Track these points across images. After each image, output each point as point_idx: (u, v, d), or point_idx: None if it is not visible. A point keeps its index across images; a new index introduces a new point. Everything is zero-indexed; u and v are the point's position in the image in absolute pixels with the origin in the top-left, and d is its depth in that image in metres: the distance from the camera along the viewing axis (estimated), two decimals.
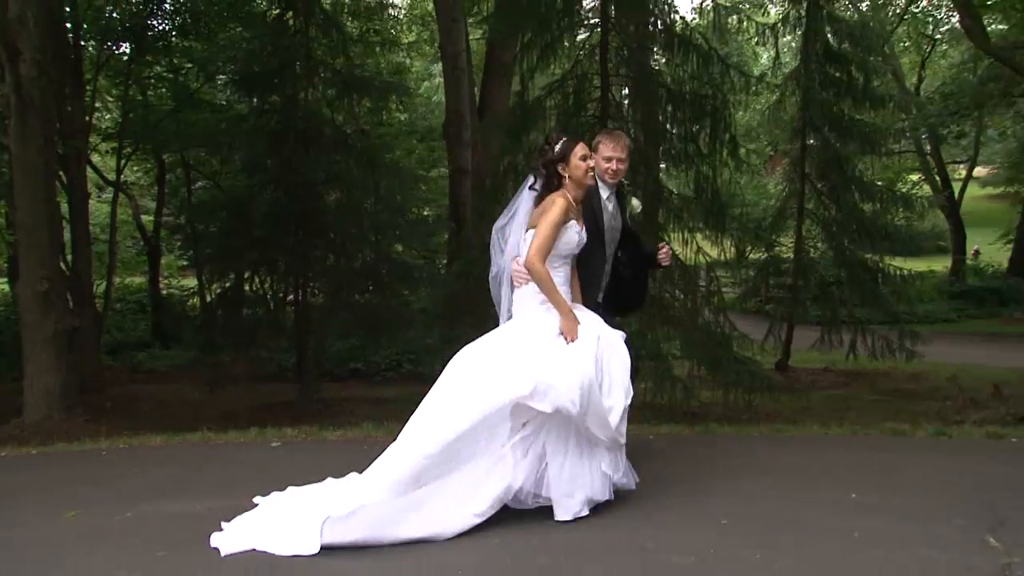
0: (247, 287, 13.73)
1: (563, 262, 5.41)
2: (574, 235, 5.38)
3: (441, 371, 5.17)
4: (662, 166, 11.67)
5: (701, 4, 14.48)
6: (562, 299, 5.28)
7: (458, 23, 17.62)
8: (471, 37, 20.85)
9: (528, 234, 5.35)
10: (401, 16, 27.92)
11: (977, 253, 36.87)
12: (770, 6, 28.97)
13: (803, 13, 15.24)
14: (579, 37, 11.36)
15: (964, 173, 37.66)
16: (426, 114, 31.17)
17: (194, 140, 18.30)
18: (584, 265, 5.63)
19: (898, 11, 29.80)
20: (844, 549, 4.44)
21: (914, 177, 35.57)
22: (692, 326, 10.90)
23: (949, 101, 26.60)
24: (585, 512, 5.00)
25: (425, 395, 5.16)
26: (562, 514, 4.97)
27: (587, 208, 5.64)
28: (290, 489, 5.51)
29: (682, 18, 12.54)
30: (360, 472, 5.31)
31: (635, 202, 6.50)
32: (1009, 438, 7.25)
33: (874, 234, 15.11)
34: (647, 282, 6.44)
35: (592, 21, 11.19)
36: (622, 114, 11.08)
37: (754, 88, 13.03)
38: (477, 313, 14.22)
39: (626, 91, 11.35)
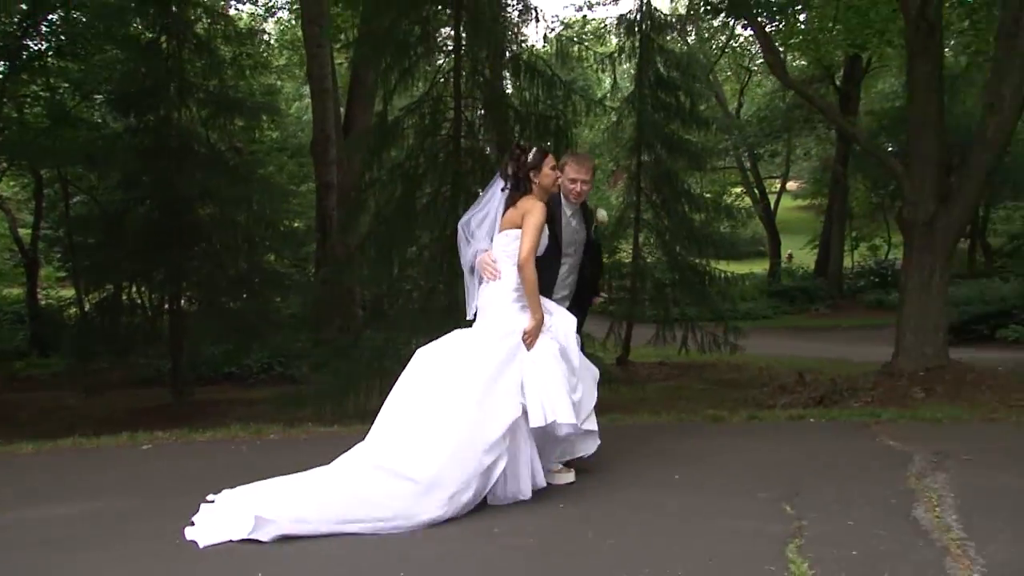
0: (124, 296, 13.34)
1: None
2: (545, 239, 5.34)
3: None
4: None
5: (545, 34, 14.67)
6: (539, 304, 5.15)
7: (323, 48, 17.44)
8: (337, 62, 20.66)
9: (504, 233, 5.25)
10: (272, 41, 27.60)
11: (790, 257, 38.27)
12: (610, 37, 29.63)
13: (637, 45, 15.54)
14: (439, 62, 11.37)
15: (778, 187, 39.22)
16: (296, 132, 30.87)
17: (71, 157, 17.61)
18: (544, 270, 5.47)
19: (720, 45, 30.77)
20: (665, 524, 4.51)
21: (737, 190, 36.79)
22: None
23: (764, 124, 27.74)
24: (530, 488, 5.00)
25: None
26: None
27: (549, 219, 5.52)
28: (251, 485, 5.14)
29: (530, 47, 12.74)
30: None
31: (601, 214, 6.45)
32: (808, 419, 7.54)
33: (702, 241, 15.50)
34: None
35: (447, 48, 11.20)
36: (474, 133, 11.14)
37: (595, 110, 13.24)
38: (343, 317, 14.25)
39: (481, 111, 11.41)
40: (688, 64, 16.40)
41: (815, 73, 28.39)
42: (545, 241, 5.31)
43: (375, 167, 11.18)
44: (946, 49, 25.87)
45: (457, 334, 5.25)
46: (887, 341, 10.86)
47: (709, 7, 13.95)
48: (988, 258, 29.34)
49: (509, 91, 11.72)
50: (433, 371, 5.04)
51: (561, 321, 5.30)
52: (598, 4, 27.48)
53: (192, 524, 4.60)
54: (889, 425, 7.11)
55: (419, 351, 5.21)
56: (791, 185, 44.46)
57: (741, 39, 30.77)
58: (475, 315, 5.41)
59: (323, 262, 16.21)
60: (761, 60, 31.03)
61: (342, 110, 19.16)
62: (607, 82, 37.93)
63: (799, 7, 14.46)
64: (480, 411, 4.78)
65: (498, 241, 5.29)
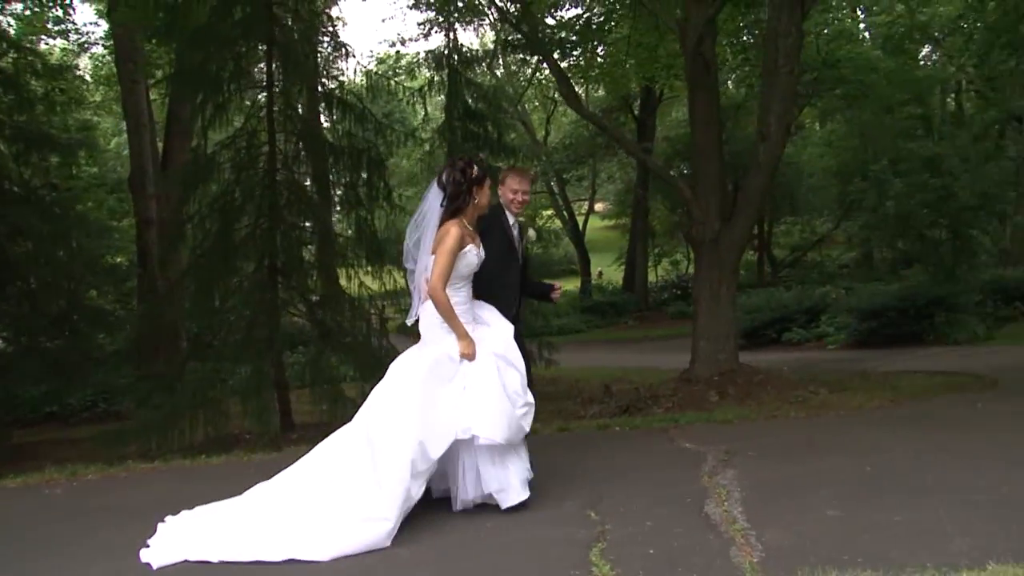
0: None
1: (465, 282, 5.19)
2: (473, 257, 5.17)
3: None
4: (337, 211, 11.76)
5: (355, 70, 14.59)
6: (459, 323, 5.04)
7: (139, 84, 16.84)
8: (152, 97, 19.92)
9: (432, 256, 5.10)
10: (87, 77, 26.37)
11: (600, 274, 39.38)
12: (422, 71, 29.76)
13: (446, 79, 15.66)
14: (259, 97, 11.13)
15: (586, 209, 40.39)
16: (116, 167, 29.55)
17: None
18: (501, 281, 5.48)
19: (527, 77, 31.40)
20: (476, 537, 4.55)
21: (548, 213, 37.60)
22: (363, 351, 10.89)
23: (569, 151, 28.49)
24: (527, 493, 4.98)
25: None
26: (508, 503, 4.93)
27: (499, 231, 5.53)
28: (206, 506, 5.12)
29: (344, 82, 12.67)
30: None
31: (532, 233, 6.34)
32: (614, 427, 7.77)
33: None
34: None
35: (262, 83, 10.99)
36: (289, 166, 10.96)
37: (406, 142, 13.26)
38: (167, 350, 13.70)
39: (296, 145, 11.24)
40: (495, 96, 16.64)
41: (614, 103, 29.42)
42: (472, 260, 5.18)
43: (192, 201, 10.82)
44: (729, 83, 27.58)
45: (401, 358, 5.18)
46: (689, 349, 11.29)
47: (510, 44, 14.18)
48: (774, 269, 31.03)
49: (327, 124, 11.64)
50: (378, 398, 4.98)
51: (497, 331, 5.21)
52: (410, 40, 27.62)
53: (147, 546, 4.56)
54: (686, 428, 7.41)
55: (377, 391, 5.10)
56: (598, 207, 45.85)
57: (547, 72, 31.60)
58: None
59: (144, 297, 15.58)
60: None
61: (160, 145, 18.48)
62: (423, 113, 38.38)
63: (595, 43, 14.94)
64: (415, 438, 4.71)
65: (428, 263, 5.16)
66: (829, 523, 4.36)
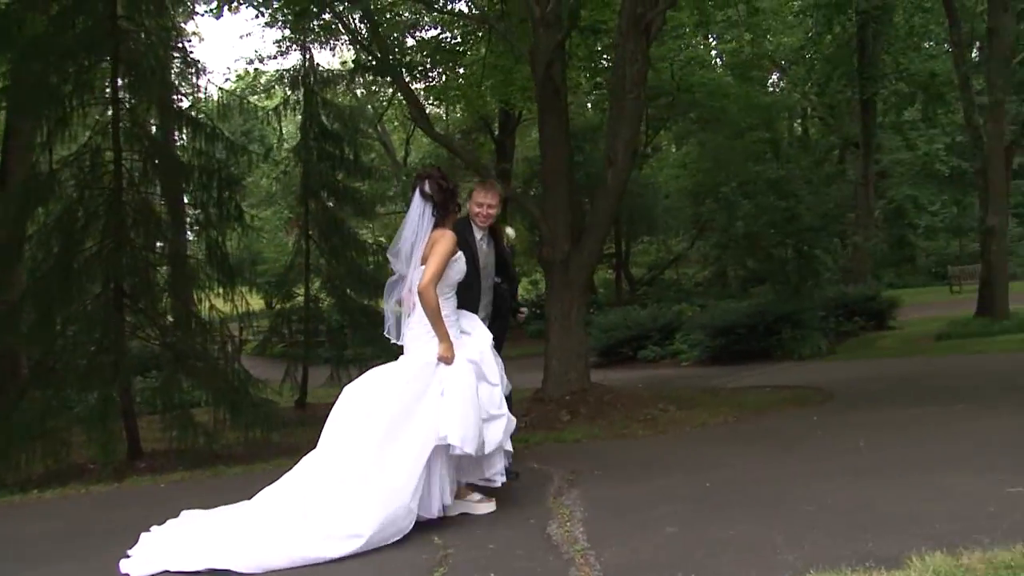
0: None
1: (452, 291, 5.27)
2: (463, 265, 5.28)
3: None
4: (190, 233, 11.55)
5: (205, 87, 14.37)
6: (444, 327, 5.08)
7: None
8: None
9: (421, 268, 5.12)
10: None
11: None
12: (279, 89, 29.37)
13: (301, 98, 15.59)
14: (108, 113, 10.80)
15: None
16: None
17: None
18: (467, 294, 5.53)
19: (388, 97, 31.39)
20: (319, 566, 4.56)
21: None
22: (214, 376, 10.70)
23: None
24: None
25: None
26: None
27: (465, 244, 5.51)
28: (190, 512, 5.24)
29: (198, 99, 12.48)
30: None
31: (509, 231, 6.35)
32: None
33: (369, 284, 15.71)
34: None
35: (108, 97, 10.69)
36: (136, 185, 10.68)
37: (260, 162, 13.14)
38: (3, 377, 13.03)
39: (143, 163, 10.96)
40: (352, 116, 16.64)
41: (474, 124, 29.75)
42: (463, 267, 5.29)
43: (31, 221, 10.41)
44: (588, 106, 28.30)
45: (379, 370, 5.22)
46: None
47: (360, 66, 14.21)
48: (632, 287, 31.91)
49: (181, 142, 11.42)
50: (351, 412, 5.02)
51: (477, 339, 5.30)
52: (269, 58, 27.26)
53: (127, 556, 4.60)
54: (535, 449, 7.59)
55: (345, 388, 5.18)
56: None
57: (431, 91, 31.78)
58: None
59: None
60: (429, 111, 32.16)
61: None
62: (285, 131, 37.88)
63: (451, 65, 15.15)
64: (394, 451, 4.82)
65: (419, 272, 5.17)
66: (666, 540, 4.51)
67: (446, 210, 5.24)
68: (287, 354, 16.24)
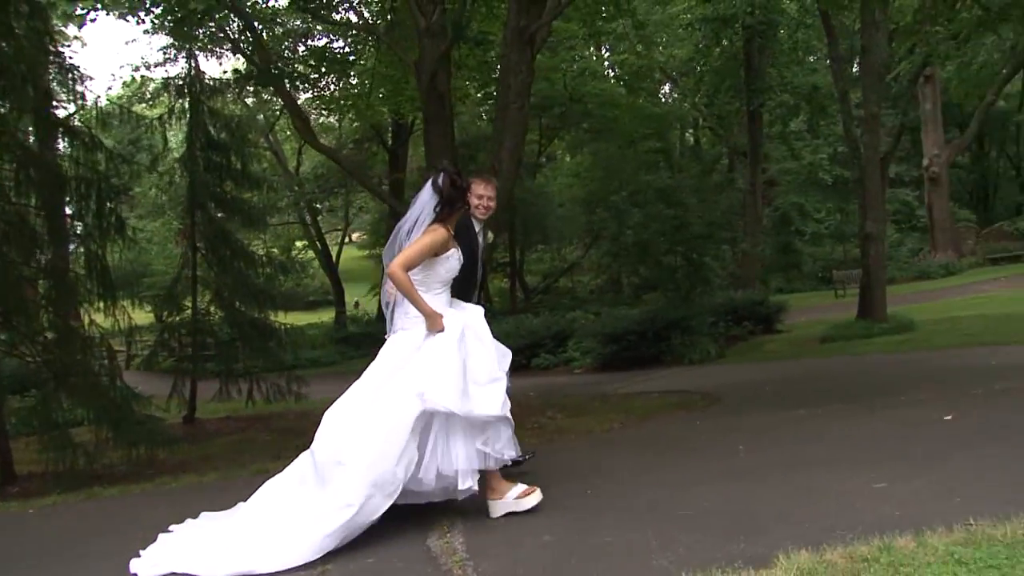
0: None
1: (444, 287, 5.32)
2: (455, 262, 5.29)
3: None
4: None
5: (84, 95, 13.97)
6: (421, 299, 5.10)
7: None
8: None
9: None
10: None
11: (357, 304, 39.26)
12: (165, 97, 28.75)
13: (187, 107, 15.32)
14: None
15: (343, 239, 40.24)
16: None
17: None
18: (467, 284, 5.64)
19: (280, 106, 31.05)
20: None
21: (302, 244, 37.16)
22: (96, 393, 10.43)
23: (320, 181, 28.40)
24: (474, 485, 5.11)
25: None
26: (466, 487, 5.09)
27: (468, 236, 5.66)
28: (203, 515, 5.46)
29: (80, 105, 12.14)
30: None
31: (490, 235, 6.34)
32: None
33: (260, 296, 15.52)
34: None
35: None
36: (7, 196, 10.35)
37: (146, 172, 12.86)
38: None
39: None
40: (239, 126, 16.38)
41: (366, 134, 29.64)
42: (455, 266, 5.31)
43: None
44: (483, 115, 28.50)
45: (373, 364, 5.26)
46: None
47: (242, 76, 13.99)
48: (527, 295, 32.17)
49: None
50: (348, 397, 5.15)
51: (467, 308, 5.40)
52: (156, 66, 26.67)
53: (138, 555, 4.74)
54: None
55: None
56: (355, 236, 45.74)
57: (300, 101, 31.48)
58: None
59: None
60: (322, 121, 31.88)
61: None
62: (173, 141, 37.03)
63: (341, 74, 15.08)
64: (378, 419, 4.90)
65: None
66: (544, 548, 4.58)
67: (452, 207, 5.32)
68: (175, 368, 15.93)
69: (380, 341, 5.19)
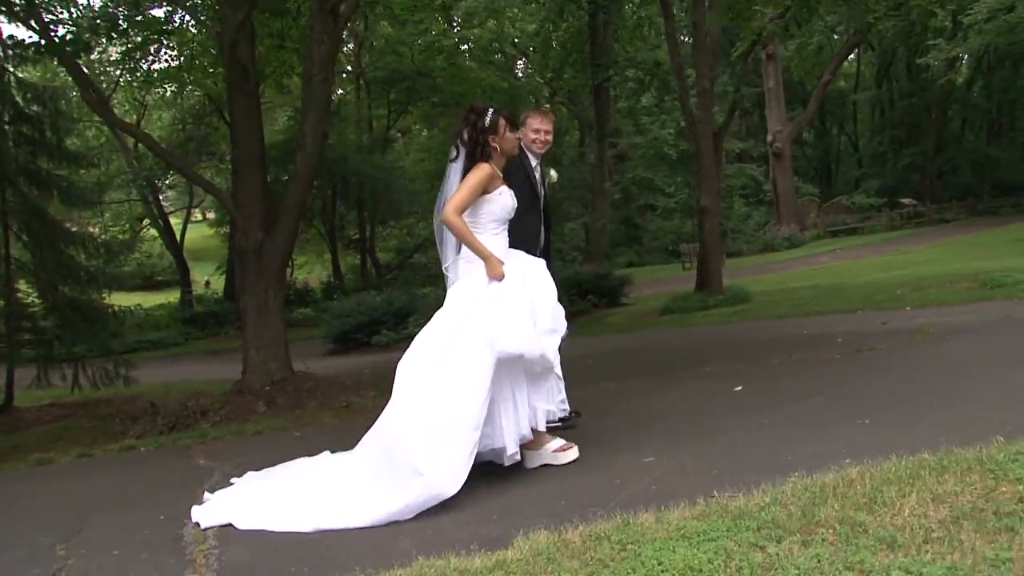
0: None
1: (502, 227, 5.10)
2: (508, 199, 5.08)
3: None
4: None
5: None
6: (480, 244, 4.92)
7: None
8: None
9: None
10: None
11: (208, 283, 38.21)
12: None
13: None
14: None
15: (196, 217, 38.96)
16: None
17: None
18: (523, 224, 5.37)
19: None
20: None
21: (145, 221, 35.79)
22: None
23: (159, 159, 27.25)
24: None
25: None
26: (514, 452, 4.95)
27: (521, 173, 5.46)
28: (266, 470, 5.53)
29: None
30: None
31: (553, 173, 5.99)
32: (140, 448, 7.55)
33: (79, 277, 14.79)
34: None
35: None
36: None
37: None
38: None
39: None
40: (52, 96, 15.45)
41: (206, 108, 28.63)
42: (509, 202, 5.10)
43: None
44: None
45: (438, 314, 5.07)
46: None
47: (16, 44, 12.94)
48: (379, 272, 31.80)
49: None
50: (412, 358, 4.96)
51: (525, 258, 5.20)
52: None
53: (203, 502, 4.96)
54: (213, 444, 7.39)
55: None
56: (210, 214, 44.32)
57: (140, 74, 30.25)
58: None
59: None
60: (160, 94, 30.62)
61: None
62: None
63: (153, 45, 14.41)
64: (450, 377, 4.75)
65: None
66: (295, 534, 4.46)
67: (473, 159, 5.04)
68: None
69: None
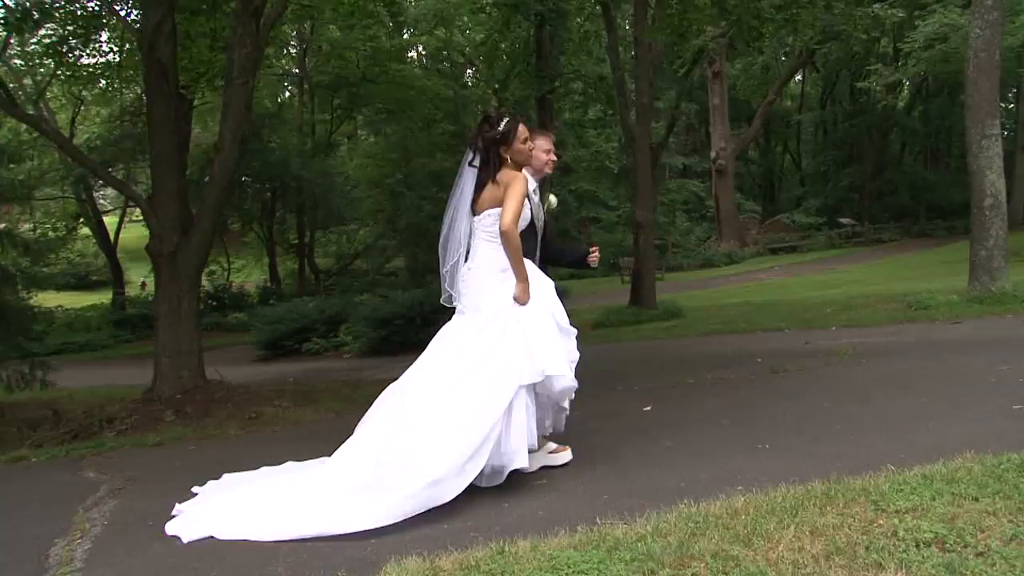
0: None
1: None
2: (528, 212, 4.94)
3: None
4: None
5: None
6: (523, 266, 4.80)
7: None
8: None
9: (487, 213, 4.85)
10: None
11: (144, 284, 37.40)
12: None
13: None
14: None
15: (137, 216, 38.05)
16: None
17: None
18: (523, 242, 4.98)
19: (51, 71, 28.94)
20: None
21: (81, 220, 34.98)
22: None
23: (95, 153, 26.60)
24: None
25: None
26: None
27: None
28: (234, 475, 5.36)
29: None
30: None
31: (552, 199, 5.56)
32: (30, 459, 7.23)
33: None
34: None
35: None
36: None
37: None
38: None
39: None
40: None
41: (143, 107, 27.99)
42: (528, 213, 4.97)
43: None
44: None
45: (449, 325, 5.01)
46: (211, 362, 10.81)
47: None
48: (317, 278, 31.42)
49: None
50: (428, 366, 4.88)
51: (543, 283, 4.98)
52: None
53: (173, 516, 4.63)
54: (107, 455, 7.11)
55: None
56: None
57: (66, 69, 29.56)
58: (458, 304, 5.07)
59: None
60: (97, 90, 29.91)
61: None
62: None
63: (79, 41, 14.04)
64: (478, 396, 4.59)
65: (480, 222, 4.90)
66: (167, 553, 4.26)
67: (487, 167, 4.89)
68: None
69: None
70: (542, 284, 5.01)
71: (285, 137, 29.26)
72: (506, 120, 4.94)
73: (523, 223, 4.95)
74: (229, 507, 4.75)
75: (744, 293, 23.09)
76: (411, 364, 5.19)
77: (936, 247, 32.68)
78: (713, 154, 38.72)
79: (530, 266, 5.01)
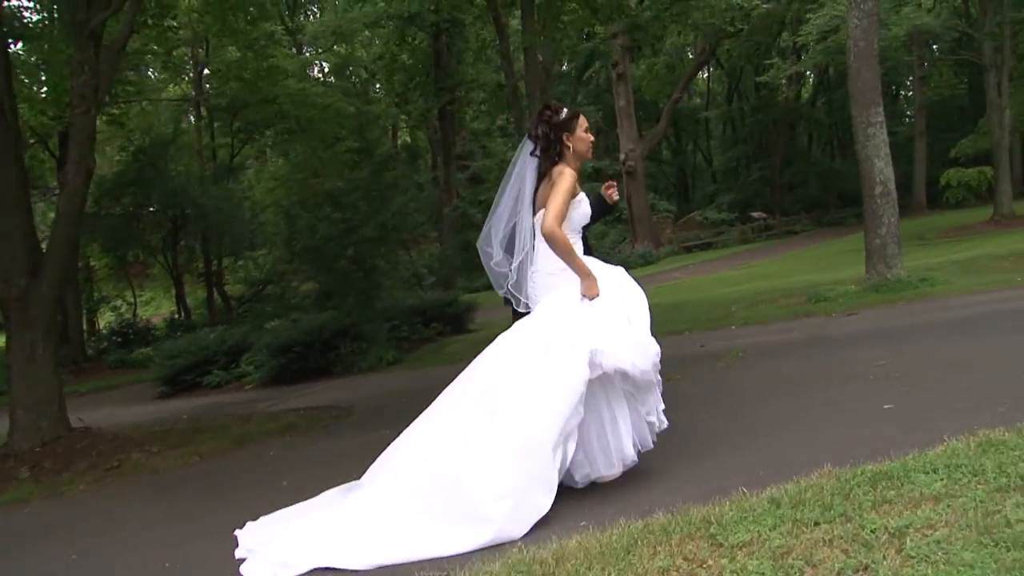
0: None
1: (578, 236, 4.78)
2: (586, 207, 4.80)
3: None
4: None
5: None
6: (580, 261, 4.60)
7: None
8: None
9: (539, 215, 4.67)
10: None
11: None
12: None
13: None
14: None
15: None
16: None
17: None
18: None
19: None
20: None
21: None
22: None
23: None
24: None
25: None
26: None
27: None
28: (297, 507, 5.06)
29: None
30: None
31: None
32: None
33: None
34: None
35: None
36: None
37: None
38: None
39: None
40: None
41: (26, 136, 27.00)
42: (587, 210, 4.81)
43: None
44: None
45: (516, 326, 4.71)
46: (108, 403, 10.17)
47: None
48: (228, 306, 30.51)
49: None
50: (484, 370, 4.63)
51: (621, 274, 4.78)
52: None
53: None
54: None
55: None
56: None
57: None
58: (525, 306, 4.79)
59: None
60: None
61: None
62: None
63: None
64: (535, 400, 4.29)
65: (539, 220, 4.68)
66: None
67: (548, 154, 4.75)
68: None
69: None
70: (618, 277, 4.79)
71: (184, 164, 28.38)
72: (566, 109, 4.88)
73: (582, 220, 4.83)
74: (292, 538, 4.48)
75: (659, 294, 22.84)
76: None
77: (845, 235, 32.96)
78: (622, 156, 38.60)
79: (603, 264, 4.84)
